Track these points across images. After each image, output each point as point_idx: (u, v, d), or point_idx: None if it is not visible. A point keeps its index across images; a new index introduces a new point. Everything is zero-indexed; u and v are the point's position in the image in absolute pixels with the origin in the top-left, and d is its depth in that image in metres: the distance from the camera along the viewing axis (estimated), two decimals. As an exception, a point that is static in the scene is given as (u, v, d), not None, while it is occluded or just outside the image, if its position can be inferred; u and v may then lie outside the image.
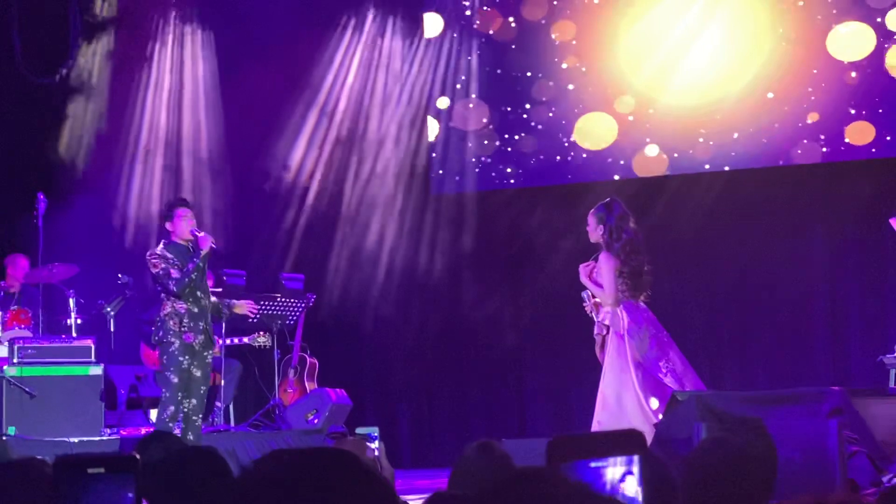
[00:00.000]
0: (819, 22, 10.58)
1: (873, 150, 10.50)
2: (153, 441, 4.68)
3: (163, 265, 8.21)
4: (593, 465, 2.62)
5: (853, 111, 10.50)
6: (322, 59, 12.10)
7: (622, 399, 8.03)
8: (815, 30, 10.60)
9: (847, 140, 10.51)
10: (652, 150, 11.09)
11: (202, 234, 8.36)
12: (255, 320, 10.01)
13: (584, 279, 8.30)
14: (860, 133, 10.49)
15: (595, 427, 8.08)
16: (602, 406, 8.11)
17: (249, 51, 12.06)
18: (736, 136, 10.83)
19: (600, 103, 11.25)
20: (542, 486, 2.19)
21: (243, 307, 8.99)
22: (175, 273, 8.20)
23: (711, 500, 3.23)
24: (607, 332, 8.21)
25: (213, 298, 8.70)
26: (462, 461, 3.78)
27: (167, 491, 3.12)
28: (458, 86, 11.82)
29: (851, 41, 10.47)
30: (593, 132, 11.26)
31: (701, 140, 10.93)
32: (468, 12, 11.80)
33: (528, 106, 11.54)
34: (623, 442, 2.77)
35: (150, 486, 3.00)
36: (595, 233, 8.27)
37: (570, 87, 11.38)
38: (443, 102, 11.85)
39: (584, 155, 11.33)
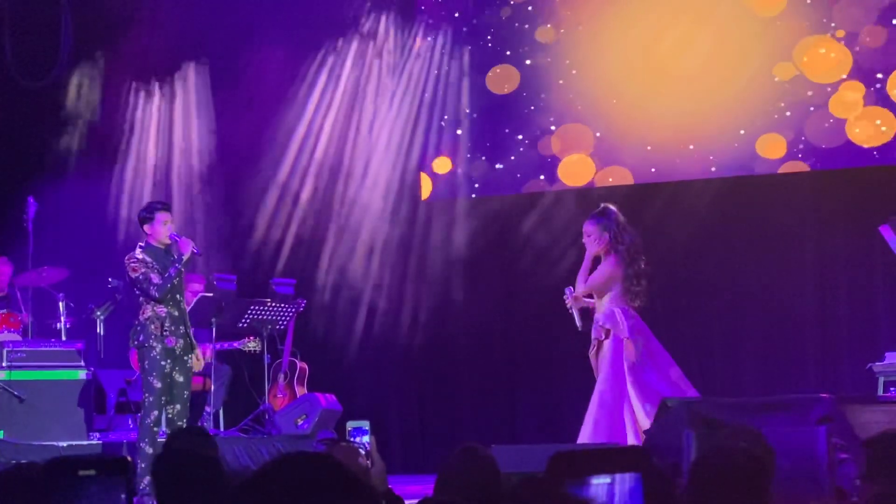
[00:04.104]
0: (804, 36, 10.62)
1: (858, 159, 10.53)
2: (181, 435, 4.72)
3: (142, 270, 8.13)
4: (595, 482, 2.54)
5: (840, 121, 10.53)
6: (312, 73, 12.12)
7: (619, 400, 7.98)
8: (800, 43, 10.63)
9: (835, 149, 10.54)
10: (639, 158, 11.12)
11: (183, 238, 8.31)
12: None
13: (580, 285, 8.24)
14: (847, 142, 10.52)
15: (590, 425, 7.98)
16: (600, 404, 8.01)
17: (242, 67, 12.07)
18: (726, 144, 10.84)
19: (587, 114, 11.28)
20: (543, 498, 2.17)
21: (200, 364, 8.77)
22: (155, 278, 8.13)
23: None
24: (606, 337, 8.12)
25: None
26: (447, 466, 3.78)
27: (165, 492, 3.13)
28: (448, 97, 11.86)
29: (826, 60, 10.52)
30: (574, 168, 11.29)
31: (691, 147, 10.94)
32: (457, 25, 11.82)
33: (518, 119, 11.57)
34: (625, 458, 2.70)
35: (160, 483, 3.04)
36: (599, 241, 8.18)
37: (554, 98, 11.41)
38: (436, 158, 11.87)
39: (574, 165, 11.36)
